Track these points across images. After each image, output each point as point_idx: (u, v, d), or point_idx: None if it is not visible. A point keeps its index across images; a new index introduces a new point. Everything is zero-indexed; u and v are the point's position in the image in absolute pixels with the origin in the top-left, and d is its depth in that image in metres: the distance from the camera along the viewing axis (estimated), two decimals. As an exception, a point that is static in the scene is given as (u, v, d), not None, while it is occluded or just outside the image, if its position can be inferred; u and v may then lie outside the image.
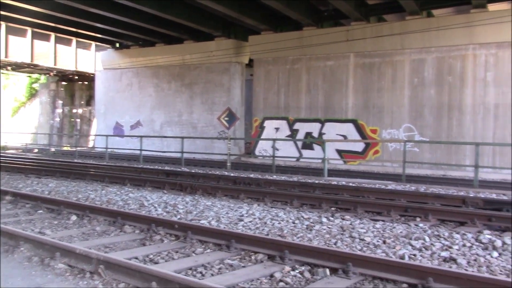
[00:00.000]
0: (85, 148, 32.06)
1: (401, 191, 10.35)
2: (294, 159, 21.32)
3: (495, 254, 5.54)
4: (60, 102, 36.88)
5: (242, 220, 7.39)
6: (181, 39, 25.41)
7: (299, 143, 21.65)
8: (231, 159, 18.15)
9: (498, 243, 5.96)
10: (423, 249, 5.78)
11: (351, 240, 6.21)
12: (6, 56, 27.24)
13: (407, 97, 19.07)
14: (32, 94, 39.07)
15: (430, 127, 18.57)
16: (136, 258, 5.28)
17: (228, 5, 18.76)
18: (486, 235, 6.40)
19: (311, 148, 21.30)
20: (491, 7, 17.38)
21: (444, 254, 5.54)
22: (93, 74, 30.73)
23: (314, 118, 21.35)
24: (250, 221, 7.34)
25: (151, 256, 5.42)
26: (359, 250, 5.73)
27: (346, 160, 20.27)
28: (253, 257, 5.38)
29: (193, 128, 25.41)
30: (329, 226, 7.00)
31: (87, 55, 31.35)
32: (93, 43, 30.45)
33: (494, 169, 16.37)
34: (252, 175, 13.92)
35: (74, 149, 28.02)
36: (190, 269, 4.95)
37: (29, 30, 27.19)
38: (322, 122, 21.14)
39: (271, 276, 4.74)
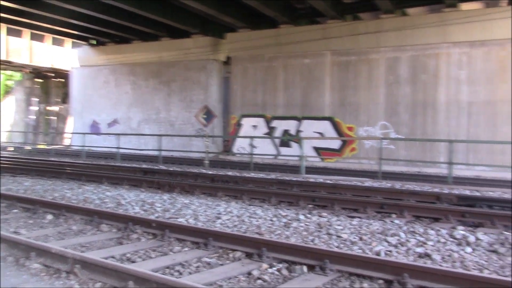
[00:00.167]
0: (61, 146, 31.60)
1: (377, 188, 10.49)
2: (272, 157, 21.38)
3: (469, 249, 5.66)
4: (36, 99, 36.26)
5: (220, 218, 7.39)
6: (157, 36, 25.23)
7: (277, 141, 21.73)
8: (209, 157, 18.11)
9: (472, 238, 6.08)
10: (399, 245, 5.86)
11: (328, 237, 6.27)
12: (-22, 53, 26.73)
13: (382, 95, 19.28)
14: (7, 92, 38.34)
15: (405, 125, 18.82)
16: (113, 257, 5.25)
17: (205, 2, 18.69)
18: (460, 231, 6.52)
19: (289, 146, 21.40)
20: (464, 6, 17.68)
21: (419, 250, 5.63)
22: (69, 71, 30.29)
23: (291, 115, 21.44)
24: (228, 219, 7.35)
25: (128, 255, 5.40)
26: (336, 247, 5.79)
27: (323, 158, 20.41)
28: (231, 255, 5.40)
29: (171, 126, 25.27)
30: (306, 223, 7.06)
31: (63, 52, 30.89)
32: (69, 40, 30.00)
33: (467, 166, 16.67)
34: (230, 173, 13.93)
35: (50, 147, 27.61)
36: (168, 267, 4.94)
37: (4, 26, 26.66)
38: (300, 120, 21.24)
39: (249, 273, 4.77)
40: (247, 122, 22.61)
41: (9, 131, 36.58)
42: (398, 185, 11.53)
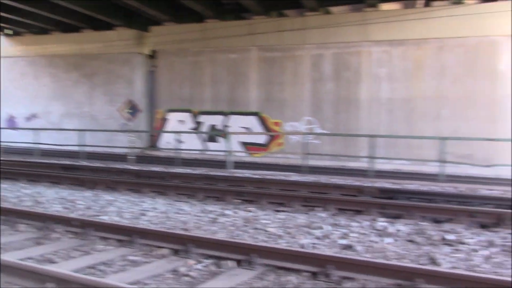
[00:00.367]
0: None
1: (303, 182, 10.69)
2: (199, 152, 21.24)
3: (388, 240, 5.89)
4: None
5: (145, 215, 7.24)
6: (79, 28, 24.25)
7: (204, 136, 21.60)
8: (134, 152, 17.69)
9: (391, 229, 6.34)
10: (323, 237, 6.01)
11: (255, 231, 6.31)
12: None
13: (307, 91, 19.67)
14: None
15: (329, 120, 19.32)
16: (31, 258, 4.99)
17: (129, -6, 18.19)
18: (381, 223, 6.78)
19: (216, 141, 21.34)
20: (383, 6, 18.37)
21: (343, 241, 5.80)
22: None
23: (218, 110, 21.38)
24: (153, 216, 7.21)
25: (48, 255, 5.15)
26: (263, 241, 5.84)
27: (250, 153, 20.54)
28: (157, 252, 5.30)
29: (94, 121, 24.41)
30: (233, 218, 7.06)
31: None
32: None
33: (387, 160, 17.38)
34: (155, 169, 13.68)
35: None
36: (91, 267, 4.78)
37: None
38: (227, 115, 21.23)
39: (176, 270, 4.70)
40: (173, 117, 22.30)
41: None
42: (323, 179, 11.81)
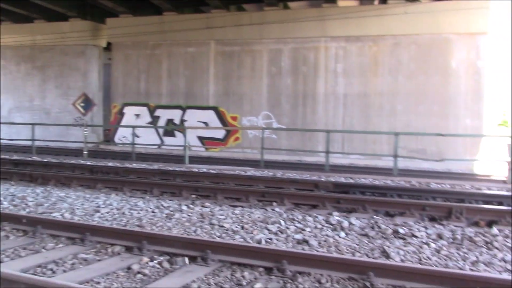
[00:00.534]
0: None
1: (260, 176, 10.71)
2: (156, 147, 20.99)
3: (343, 234, 5.97)
4: None
5: (98, 211, 7.08)
6: (31, 18, 23.47)
7: (161, 130, 21.35)
8: (89, 147, 17.29)
9: (345, 223, 6.43)
10: (279, 232, 6.03)
11: (210, 227, 6.27)
12: None
13: (265, 86, 19.72)
14: None
15: (287, 115, 19.44)
16: (-24, 258, 4.80)
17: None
18: (335, 217, 6.86)
19: (173, 135, 21.13)
20: (341, 3, 18.59)
21: (298, 236, 5.83)
22: None
23: (175, 104, 21.18)
24: (107, 212, 7.06)
25: (-6, 255, 4.97)
26: (218, 237, 5.81)
27: (207, 147, 20.44)
28: (109, 250, 5.19)
29: (46, 114, 23.75)
30: (189, 214, 7.00)
31: None
32: None
33: (343, 155, 17.64)
34: (110, 164, 13.42)
35: None
36: (40, 266, 4.62)
37: None
38: (184, 109, 21.05)
39: (129, 268, 4.61)
40: (129, 111, 21.95)
41: None
42: (279, 173, 11.86)
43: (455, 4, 16.55)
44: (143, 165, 13.30)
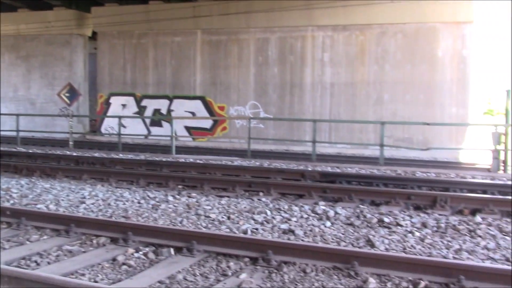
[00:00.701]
0: None
1: (246, 166, 10.71)
2: (143, 137, 20.89)
3: (328, 223, 6.00)
4: None
5: (84, 203, 7.05)
6: (14, 7, 23.10)
7: (147, 120, 21.23)
8: (75, 137, 17.16)
9: (331, 213, 6.46)
10: (265, 222, 6.04)
11: (196, 217, 6.27)
12: None
13: (252, 75, 19.66)
14: None
15: (274, 105, 19.41)
16: (-42, 251, 4.76)
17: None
18: (321, 206, 6.89)
19: (160, 125, 21.03)
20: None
21: (284, 226, 5.85)
22: None
23: (162, 94, 21.05)
24: (92, 203, 7.03)
25: (-23, 247, 4.93)
26: (204, 227, 5.82)
27: (194, 137, 20.38)
28: (94, 241, 5.18)
29: (31, 105, 23.50)
30: (175, 205, 6.99)
31: None
32: None
33: (330, 144, 17.69)
34: (96, 154, 13.34)
35: None
36: (24, 258, 4.60)
37: None
38: (171, 99, 20.94)
39: (114, 259, 4.61)
40: (115, 101, 21.78)
41: None
42: (266, 163, 11.87)
43: (441, -7, 16.59)
44: (130, 156, 13.23)
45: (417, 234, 5.51)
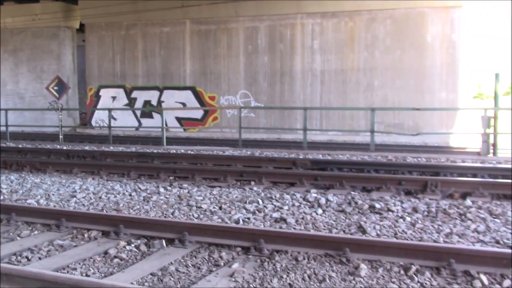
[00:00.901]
0: None
1: (238, 156, 10.71)
2: (133, 129, 20.82)
3: (320, 211, 6.01)
4: None
5: (74, 197, 7.01)
6: (0, 1, 22.83)
7: (138, 112, 21.15)
8: (65, 131, 17.07)
9: (323, 200, 6.47)
10: (257, 211, 6.05)
11: (188, 208, 6.26)
12: None
13: (242, 64, 19.60)
14: None
15: (264, 93, 19.38)
16: None
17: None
18: (313, 194, 6.90)
19: (151, 117, 20.97)
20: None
21: (276, 215, 5.86)
22: None
23: (152, 86, 20.96)
24: (83, 197, 7.00)
25: (-33, 244, 4.89)
26: (196, 218, 5.81)
27: (186, 128, 20.33)
28: (86, 235, 5.15)
29: (20, 99, 23.33)
30: (166, 196, 6.98)
31: None
32: None
33: (321, 131, 17.72)
34: (87, 147, 13.27)
35: None
36: (15, 254, 4.57)
37: None
38: (161, 90, 20.86)
39: (105, 253, 4.59)
40: (105, 93, 21.66)
41: None
42: (257, 152, 11.87)
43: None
44: (121, 148, 13.18)
45: (408, 219, 5.54)
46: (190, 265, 4.26)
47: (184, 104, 20.32)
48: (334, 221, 5.57)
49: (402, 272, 3.95)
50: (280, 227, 5.36)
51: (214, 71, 20.00)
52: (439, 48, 17.04)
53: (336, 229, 5.28)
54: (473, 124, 15.24)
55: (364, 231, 5.12)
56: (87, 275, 4.04)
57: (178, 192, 7.25)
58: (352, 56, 18.13)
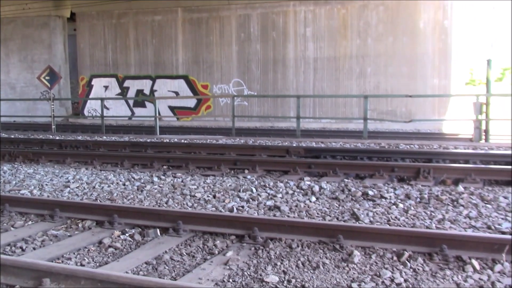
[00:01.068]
0: None
1: (231, 145, 10.71)
2: (126, 118, 20.74)
3: (313, 198, 6.03)
4: None
5: (68, 187, 7.00)
6: (-12, -11, 22.59)
7: (131, 101, 21.06)
8: (57, 121, 16.98)
9: (316, 188, 6.50)
10: (251, 200, 6.06)
11: (182, 197, 6.27)
12: None
13: (235, 52, 19.53)
14: None
15: (257, 81, 19.35)
16: None
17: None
18: (306, 182, 6.93)
19: (143, 106, 20.89)
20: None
21: (269, 203, 5.88)
22: None
23: (144, 75, 20.86)
24: (77, 187, 6.99)
25: (-39, 236, 4.88)
26: (190, 207, 5.82)
27: (179, 117, 20.29)
28: (80, 225, 5.15)
29: (11, 89, 23.16)
30: (160, 185, 6.98)
31: None
32: None
33: (314, 119, 17.74)
34: (80, 137, 13.23)
35: None
36: (9, 245, 4.57)
37: None
38: (153, 79, 20.77)
39: (100, 242, 4.60)
40: (97, 83, 21.55)
41: None
42: (251, 141, 11.87)
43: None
44: (114, 138, 13.15)
45: (401, 205, 5.57)
46: (185, 253, 4.27)
47: (177, 93, 20.26)
48: (327, 208, 5.60)
49: (395, 258, 3.98)
50: (274, 215, 5.38)
51: (206, 59, 19.92)
52: (431, 34, 17.05)
53: (330, 216, 5.31)
54: (465, 110, 15.31)
55: (357, 218, 5.16)
56: (81, 265, 4.06)
57: (172, 181, 7.25)
58: (344, 43, 18.11)
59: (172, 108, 20.34)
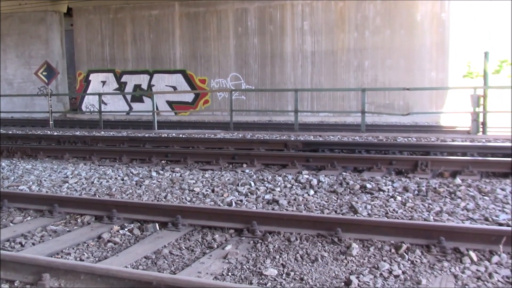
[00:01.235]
0: None
1: (229, 139, 10.72)
2: (124, 113, 20.72)
3: (312, 192, 6.05)
4: None
5: (67, 182, 7.01)
6: (-16, -15, 22.48)
7: (128, 96, 21.03)
8: (55, 116, 16.96)
9: (314, 181, 6.51)
10: (249, 194, 6.08)
11: (181, 192, 6.28)
12: None
13: (232, 47, 19.50)
14: None
15: (255, 75, 19.33)
16: None
17: None
18: (305, 175, 6.95)
19: (141, 101, 20.87)
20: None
21: (268, 196, 5.89)
22: None
23: (142, 69, 20.83)
24: (75, 182, 7.00)
25: (-40, 232, 4.89)
26: (189, 202, 5.83)
27: (177, 112, 20.27)
28: (79, 220, 5.17)
29: (8, 85, 23.09)
30: (158, 180, 7.00)
31: None
32: None
33: (312, 113, 17.74)
34: (78, 133, 13.23)
35: None
36: (8, 240, 4.58)
37: None
38: (151, 74, 20.73)
39: (99, 237, 4.61)
40: (95, 78, 21.51)
41: None
42: (249, 135, 11.88)
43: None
44: (112, 133, 13.15)
45: (399, 198, 5.60)
46: (184, 247, 4.29)
47: (174, 88, 20.24)
48: (326, 201, 5.62)
49: (393, 250, 4.00)
50: (273, 209, 5.40)
51: (204, 54, 19.89)
52: (428, 27, 17.03)
53: (328, 209, 5.33)
54: (462, 103, 15.33)
55: (355, 211, 5.18)
56: (81, 260, 4.07)
57: (170, 176, 7.27)
58: (342, 36, 18.08)
59: (170, 103, 20.32)
